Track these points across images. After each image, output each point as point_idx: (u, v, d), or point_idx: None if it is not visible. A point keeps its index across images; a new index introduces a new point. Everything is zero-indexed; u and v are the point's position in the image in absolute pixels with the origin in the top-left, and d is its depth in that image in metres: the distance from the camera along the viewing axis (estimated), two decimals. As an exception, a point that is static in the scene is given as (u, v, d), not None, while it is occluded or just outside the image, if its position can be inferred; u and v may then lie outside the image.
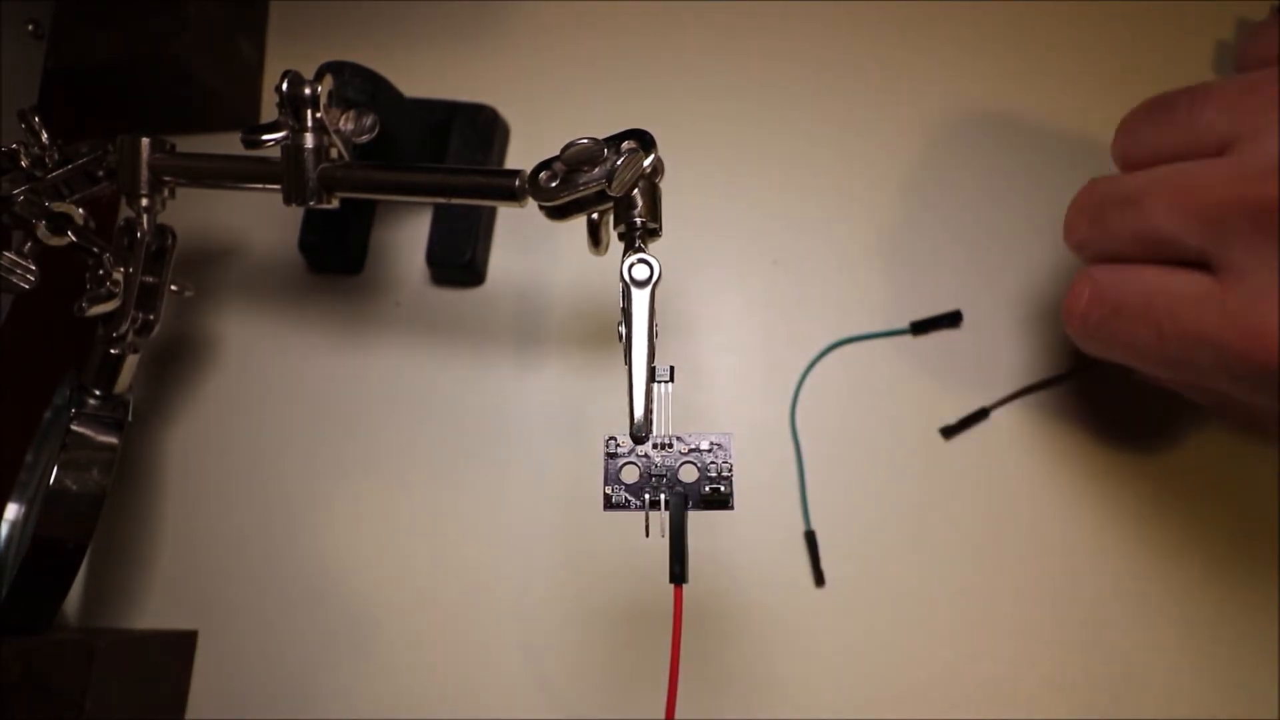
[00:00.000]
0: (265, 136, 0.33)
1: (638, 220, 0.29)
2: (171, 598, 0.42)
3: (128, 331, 0.36)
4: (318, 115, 0.32)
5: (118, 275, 0.35)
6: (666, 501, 0.25)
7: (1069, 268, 0.42)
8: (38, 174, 0.35)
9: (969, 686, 0.37)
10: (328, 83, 0.33)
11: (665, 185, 0.30)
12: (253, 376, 0.44)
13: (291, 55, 0.48)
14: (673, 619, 0.24)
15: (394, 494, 0.42)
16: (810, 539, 0.39)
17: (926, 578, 0.39)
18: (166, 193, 0.37)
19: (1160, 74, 0.43)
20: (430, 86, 0.45)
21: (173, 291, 0.38)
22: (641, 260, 0.28)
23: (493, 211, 0.44)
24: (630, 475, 0.25)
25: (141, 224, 0.36)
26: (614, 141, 0.29)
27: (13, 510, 0.39)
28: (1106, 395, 0.40)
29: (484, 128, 0.44)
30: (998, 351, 0.41)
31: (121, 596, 0.42)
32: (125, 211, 0.37)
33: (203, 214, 0.46)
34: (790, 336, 0.41)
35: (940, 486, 0.40)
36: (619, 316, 0.28)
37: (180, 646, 0.40)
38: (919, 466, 0.40)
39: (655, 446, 0.25)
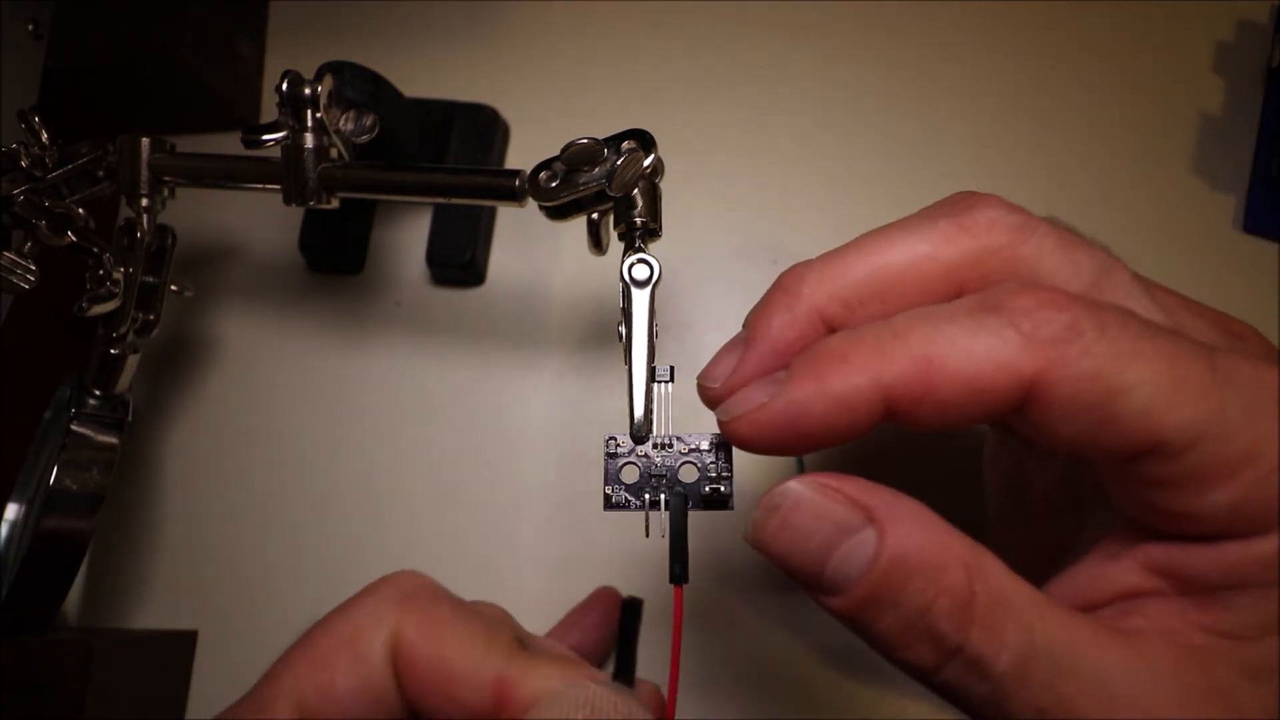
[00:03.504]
0: (265, 136, 0.33)
1: (638, 220, 0.29)
2: (171, 598, 0.42)
3: (128, 331, 0.36)
4: (318, 115, 0.32)
5: (118, 275, 0.35)
6: (666, 502, 0.25)
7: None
8: (38, 174, 0.35)
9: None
10: (328, 83, 0.33)
11: (665, 185, 0.30)
12: (253, 376, 0.44)
13: (291, 55, 0.48)
14: (673, 619, 0.24)
15: (393, 493, 0.42)
16: (810, 539, 0.39)
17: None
18: (166, 193, 0.37)
19: (1160, 74, 0.43)
20: (430, 86, 0.45)
21: (173, 291, 0.38)
22: (641, 260, 0.28)
23: (493, 211, 0.44)
24: (630, 475, 0.25)
25: (141, 224, 0.36)
26: (614, 141, 0.29)
27: (13, 510, 0.38)
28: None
29: (484, 128, 0.44)
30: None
31: (121, 596, 0.42)
32: (125, 211, 0.37)
33: (203, 214, 0.46)
34: (790, 337, 0.41)
35: (941, 485, 0.40)
36: (619, 317, 0.28)
37: (180, 646, 0.40)
38: (919, 466, 0.40)
39: (655, 446, 0.25)
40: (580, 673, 0.21)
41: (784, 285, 0.23)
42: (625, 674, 0.23)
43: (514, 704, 0.20)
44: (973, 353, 0.19)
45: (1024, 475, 0.27)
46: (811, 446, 0.21)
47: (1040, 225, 0.22)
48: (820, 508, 0.21)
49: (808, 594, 0.21)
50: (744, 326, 0.24)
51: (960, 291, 0.22)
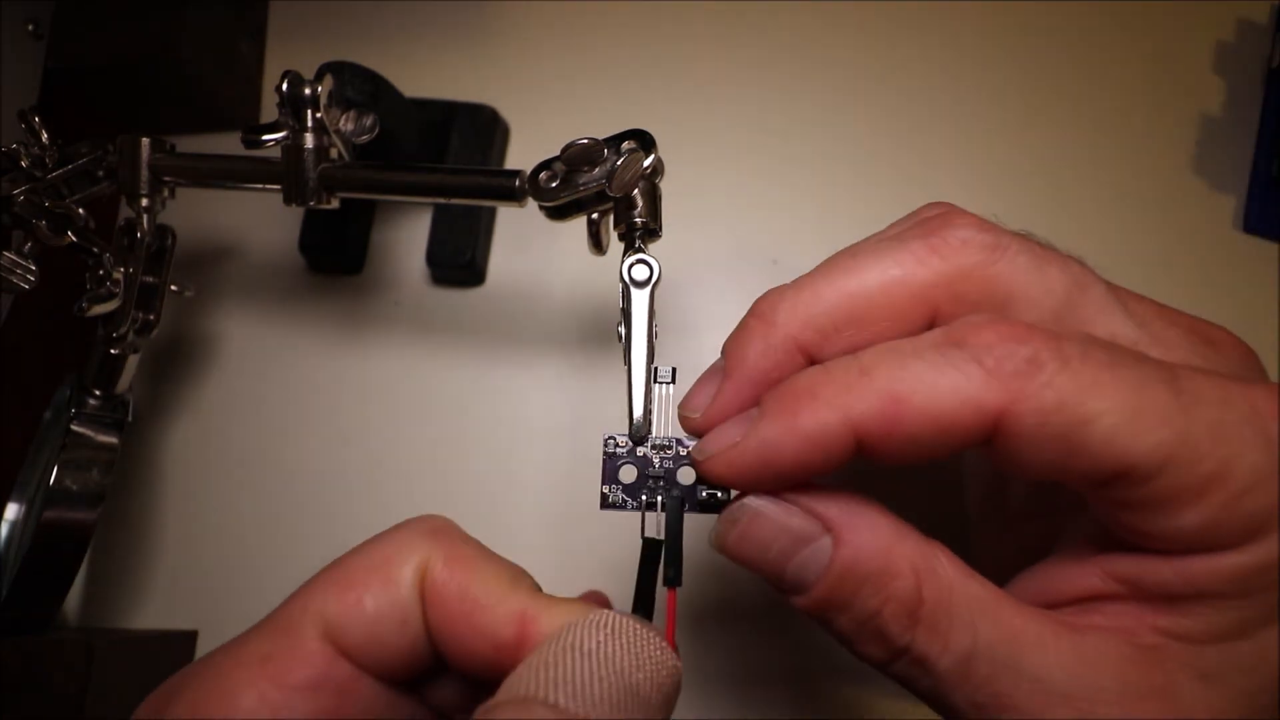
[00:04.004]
0: (265, 136, 0.33)
1: (638, 220, 0.29)
2: (171, 598, 0.42)
3: (128, 331, 0.36)
4: (318, 115, 0.32)
5: (118, 275, 0.35)
6: (663, 503, 0.25)
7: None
8: (38, 174, 0.35)
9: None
10: (328, 83, 0.33)
11: (665, 185, 0.30)
12: (253, 376, 0.44)
13: (291, 55, 0.48)
14: (666, 622, 0.24)
15: (393, 493, 0.42)
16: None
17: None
18: (166, 193, 0.37)
19: (1160, 74, 0.43)
20: (430, 86, 0.45)
21: (173, 291, 0.38)
22: (641, 260, 0.28)
23: (493, 211, 0.44)
24: (628, 475, 0.25)
25: (141, 224, 0.36)
26: (614, 142, 0.29)
27: (13, 510, 0.38)
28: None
29: (484, 128, 0.44)
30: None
31: (121, 596, 0.42)
32: (125, 211, 0.37)
33: (203, 214, 0.46)
34: (790, 337, 0.41)
35: (940, 484, 0.40)
36: (619, 317, 0.28)
37: (180, 646, 0.40)
38: (919, 466, 0.40)
39: (654, 448, 0.25)
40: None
41: (759, 313, 0.23)
42: (643, 611, 0.24)
43: (536, 637, 0.21)
44: (938, 389, 0.19)
45: (1003, 482, 0.28)
46: (787, 482, 0.22)
47: (1013, 243, 0.22)
48: (778, 519, 0.22)
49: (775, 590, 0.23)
50: (721, 354, 0.24)
51: (934, 312, 0.22)
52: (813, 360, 0.23)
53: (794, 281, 0.23)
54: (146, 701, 0.22)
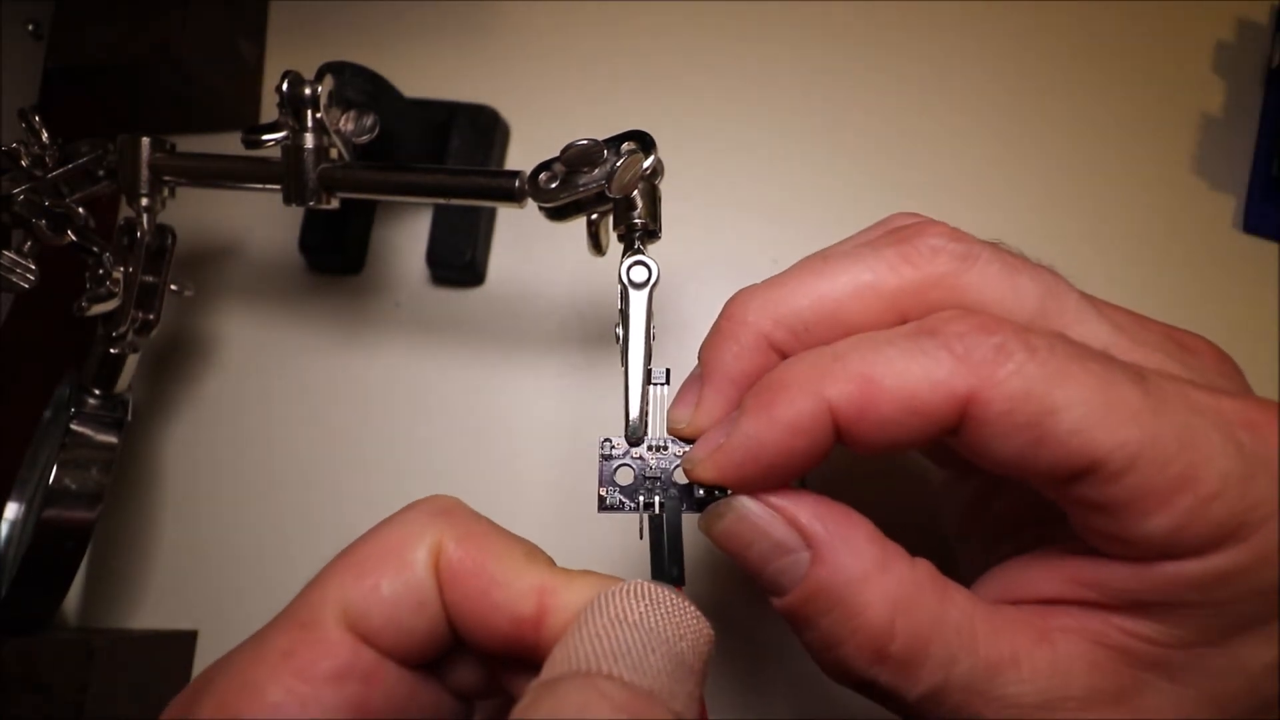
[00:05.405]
0: (265, 136, 0.33)
1: (637, 222, 0.29)
2: (171, 598, 0.42)
3: (127, 331, 0.36)
4: (318, 115, 0.32)
5: (118, 275, 0.35)
6: (661, 504, 0.25)
7: (1065, 270, 0.42)
8: (38, 173, 0.35)
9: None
10: (328, 83, 0.33)
11: (665, 185, 0.30)
12: (253, 376, 0.44)
13: (291, 55, 0.48)
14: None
15: (393, 494, 0.42)
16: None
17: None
18: (166, 193, 0.37)
19: (1160, 74, 0.43)
20: (430, 86, 0.45)
21: (172, 291, 0.38)
22: (640, 262, 0.28)
23: (493, 211, 0.44)
24: (625, 477, 0.25)
25: (141, 224, 0.36)
26: (614, 143, 0.29)
27: (13, 509, 0.39)
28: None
29: (484, 128, 0.44)
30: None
31: (121, 596, 0.42)
32: (125, 211, 0.37)
33: (203, 214, 0.46)
34: (790, 337, 0.41)
35: (929, 493, 0.40)
36: (617, 318, 0.28)
37: (180, 646, 0.40)
38: (919, 466, 0.40)
39: (650, 449, 0.25)
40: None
41: (729, 314, 0.24)
42: (664, 581, 0.24)
43: (557, 610, 0.20)
44: (909, 372, 0.20)
45: (980, 504, 0.28)
46: (777, 477, 0.22)
47: (984, 252, 0.22)
48: (762, 524, 0.22)
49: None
50: (698, 360, 0.24)
51: (904, 318, 0.22)
52: (786, 358, 0.23)
53: (764, 281, 0.24)
54: (172, 705, 0.21)
